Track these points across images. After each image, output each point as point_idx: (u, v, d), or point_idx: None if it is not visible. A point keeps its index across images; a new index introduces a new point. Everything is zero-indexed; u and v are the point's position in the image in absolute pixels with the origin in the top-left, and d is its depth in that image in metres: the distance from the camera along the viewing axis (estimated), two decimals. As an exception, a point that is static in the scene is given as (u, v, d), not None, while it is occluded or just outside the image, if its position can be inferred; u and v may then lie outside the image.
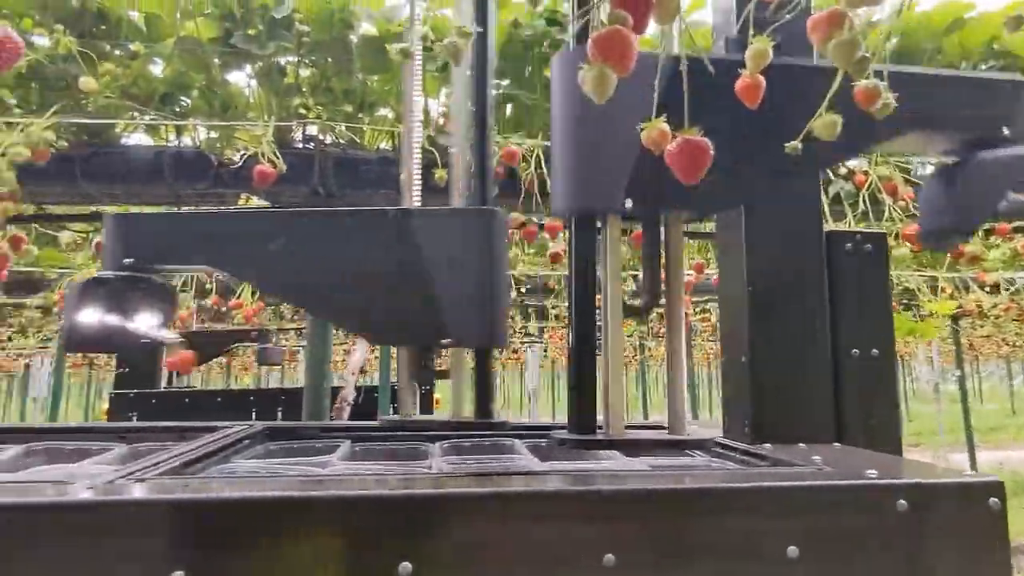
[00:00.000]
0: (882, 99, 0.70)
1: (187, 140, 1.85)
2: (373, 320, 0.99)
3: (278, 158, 1.62)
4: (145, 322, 0.94)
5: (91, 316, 0.90)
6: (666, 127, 0.65)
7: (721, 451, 1.04)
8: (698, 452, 1.03)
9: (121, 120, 1.78)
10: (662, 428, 0.88)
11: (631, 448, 0.85)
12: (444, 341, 0.99)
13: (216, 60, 1.78)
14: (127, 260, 0.92)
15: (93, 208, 2.03)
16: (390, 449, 1.10)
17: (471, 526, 0.59)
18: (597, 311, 0.97)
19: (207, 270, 1.04)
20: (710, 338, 10.04)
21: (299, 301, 1.22)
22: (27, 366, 9.70)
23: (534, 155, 1.67)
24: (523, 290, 4.30)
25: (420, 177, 1.16)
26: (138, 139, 1.83)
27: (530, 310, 5.30)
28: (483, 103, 1.13)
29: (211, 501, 0.57)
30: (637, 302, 1.03)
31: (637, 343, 9.55)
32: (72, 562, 0.54)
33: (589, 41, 0.60)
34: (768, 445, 1.01)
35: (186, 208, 1.87)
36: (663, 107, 0.66)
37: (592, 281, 0.94)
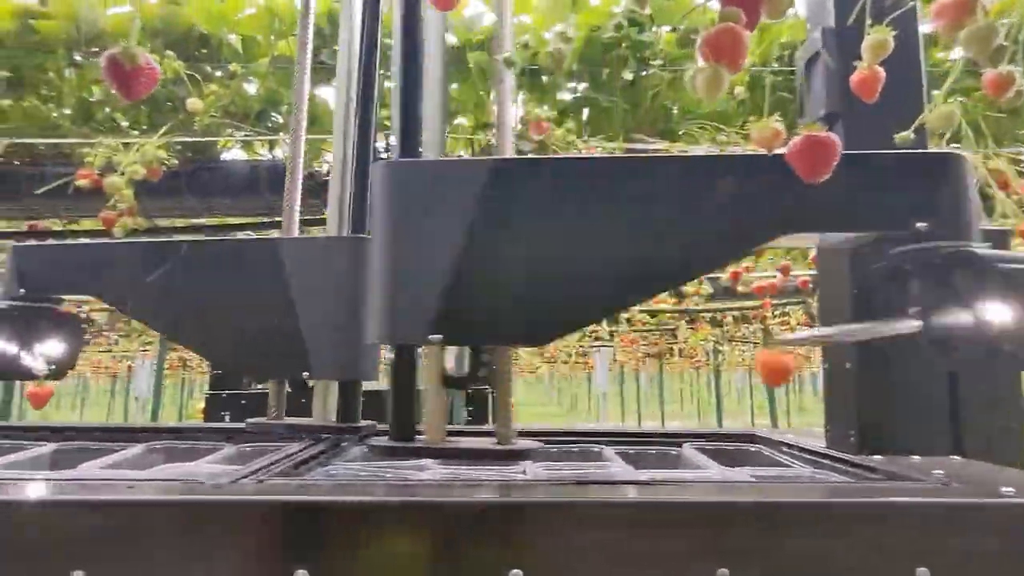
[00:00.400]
0: (1016, 86, 0.64)
1: (279, 154, 1.95)
2: (236, 352, 0.95)
3: None
4: (49, 350, 0.96)
5: None
6: (779, 126, 0.63)
7: (825, 462, 0.99)
8: (820, 463, 0.98)
9: (220, 137, 1.90)
10: (490, 436, 0.83)
11: (450, 456, 0.82)
12: (304, 375, 0.94)
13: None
14: (21, 290, 0.94)
15: (195, 220, 2.18)
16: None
17: (583, 534, 0.59)
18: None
19: (91, 298, 1.05)
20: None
21: (167, 330, 1.19)
22: (130, 368, 10.51)
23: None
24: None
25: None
26: (235, 154, 1.95)
27: (601, 314, 5.25)
28: (367, 124, 1.04)
29: (333, 504, 0.59)
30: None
31: (711, 347, 9.26)
32: (201, 556, 0.58)
33: (700, 41, 0.58)
34: (878, 457, 0.95)
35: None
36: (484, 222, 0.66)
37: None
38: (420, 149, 0.81)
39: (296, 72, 1.07)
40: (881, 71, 0.63)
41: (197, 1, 1.83)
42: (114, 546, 0.58)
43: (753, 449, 1.16)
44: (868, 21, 0.64)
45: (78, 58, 1.95)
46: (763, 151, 0.58)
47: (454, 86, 1.90)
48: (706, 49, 0.57)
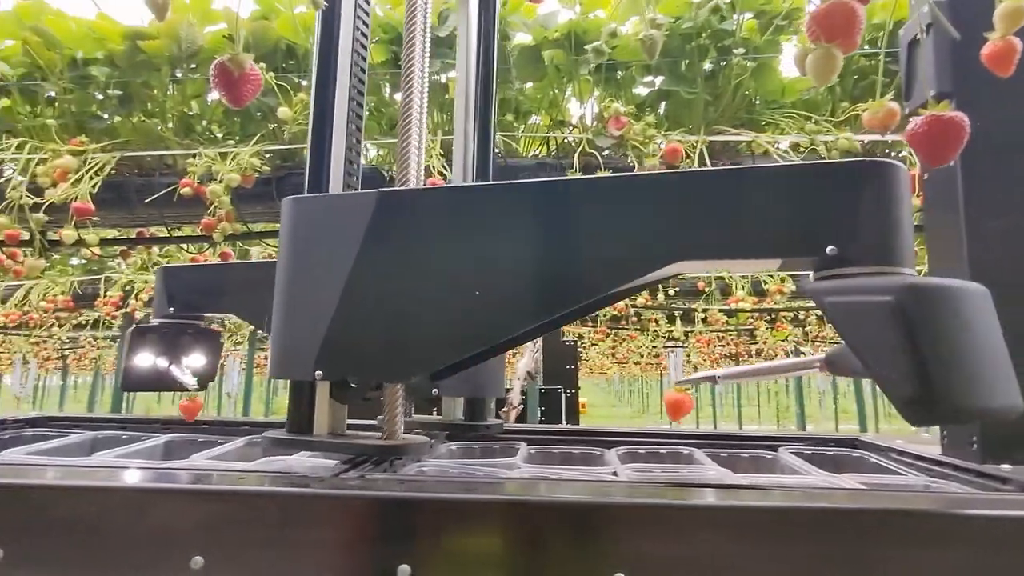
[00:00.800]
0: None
1: (361, 159, 2.02)
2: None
3: (446, 169, 1.70)
4: (193, 363, 1.01)
5: (144, 360, 0.98)
6: (895, 105, 0.58)
7: (941, 470, 0.91)
8: (937, 472, 0.91)
9: (306, 144, 1.98)
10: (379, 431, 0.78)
11: (340, 449, 0.76)
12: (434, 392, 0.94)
13: (385, 82, 1.93)
14: (170, 308, 0.99)
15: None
16: (564, 453, 1.11)
17: (686, 539, 0.56)
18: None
19: (229, 315, 1.09)
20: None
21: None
22: (222, 366, 11.21)
23: (697, 151, 1.60)
24: (670, 292, 4.15)
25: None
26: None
27: (676, 313, 5.12)
28: (486, 125, 1.03)
29: (434, 500, 0.60)
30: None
31: (792, 348, 8.83)
32: (308, 547, 0.60)
33: (808, 19, 0.55)
34: (1006, 466, 0.87)
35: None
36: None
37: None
38: (328, 182, 0.79)
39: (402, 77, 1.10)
40: (1018, 42, 0.57)
41: (284, 15, 1.92)
42: (229, 534, 0.61)
43: (855, 455, 1.09)
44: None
45: (179, 75, 2.09)
46: (646, 169, 0.53)
47: (528, 85, 1.90)
48: (816, 28, 0.53)
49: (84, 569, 0.62)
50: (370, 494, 0.61)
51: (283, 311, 0.72)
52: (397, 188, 0.77)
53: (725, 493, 0.61)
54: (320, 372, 0.69)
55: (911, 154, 1.52)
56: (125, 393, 7.47)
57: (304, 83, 1.88)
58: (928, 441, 1.12)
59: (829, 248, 0.54)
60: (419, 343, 0.66)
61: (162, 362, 0.99)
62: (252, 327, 6.23)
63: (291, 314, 0.72)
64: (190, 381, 0.99)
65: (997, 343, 0.52)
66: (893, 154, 1.76)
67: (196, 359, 1.01)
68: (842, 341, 0.55)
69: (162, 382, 1.00)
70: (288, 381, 0.75)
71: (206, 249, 2.36)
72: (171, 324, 1.00)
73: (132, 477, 0.72)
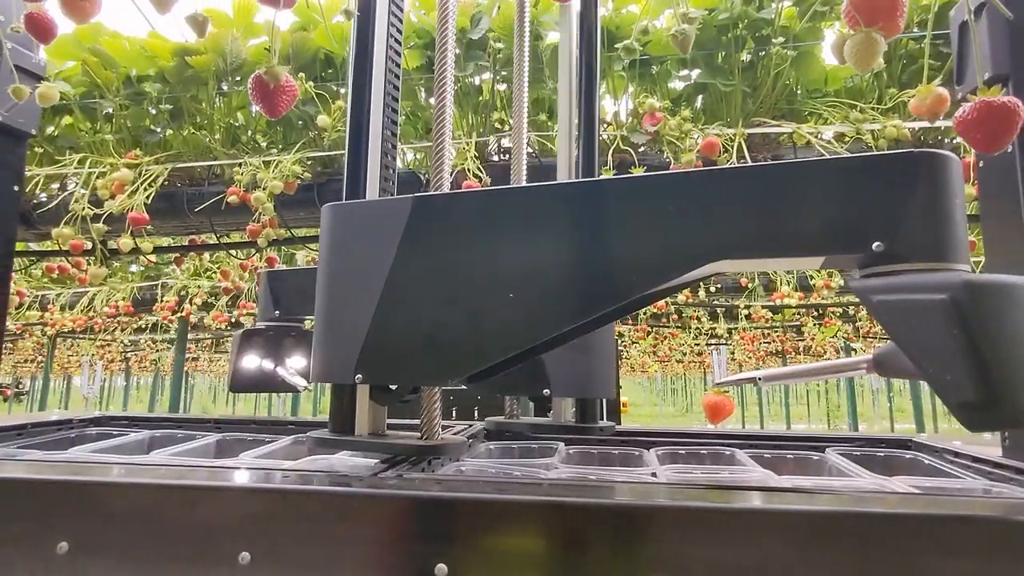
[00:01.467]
0: None
1: (398, 163, 2.05)
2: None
3: (482, 172, 1.72)
4: (296, 363, 1.03)
5: (251, 362, 1.01)
6: (943, 91, 0.56)
7: (1002, 473, 0.87)
8: (996, 475, 0.87)
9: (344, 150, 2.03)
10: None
11: (382, 449, 0.76)
12: (545, 392, 0.93)
13: (420, 87, 1.95)
14: (276, 312, 1.02)
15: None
16: (603, 453, 1.10)
17: (723, 543, 0.55)
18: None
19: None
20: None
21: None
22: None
23: (735, 144, 1.56)
24: (712, 288, 4.07)
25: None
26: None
27: (719, 310, 5.01)
28: (591, 122, 1.02)
29: (472, 501, 0.60)
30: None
31: (841, 345, 8.52)
32: (349, 544, 0.61)
33: (847, 3, 0.53)
34: (1077, 470, 0.82)
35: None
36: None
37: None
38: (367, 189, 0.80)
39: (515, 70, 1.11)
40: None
41: (322, 26, 1.97)
42: (275, 531, 0.63)
43: (908, 456, 1.05)
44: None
45: (225, 88, 2.16)
46: (694, 167, 0.51)
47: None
48: (855, 12, 0.52)
49: (139, 562, 0.65)
50: (406, 493, 0.62)
51: (323, 317, 0.74)
52: (432, 193, 0.79)
53: (766, 496, 0.59)
54: (360, 376, 0.71)
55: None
56: (182, 393, 7.77)
57: (342, 91, 1.92)
58: (989, 443, 1.06)
59: (875, 244, 0.52)
60: (456, 347, 0.67)
61: (268, 364, 1.03)
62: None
63: (331, 319, 0.74)
64: (300, 382, 1.02)
65: None
66: (946, 141, 1.68)
67: (298, 360, 1.05)
68: (891, 341, 0.53)
69: (269, 383, 1.03)
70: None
71: (253, 255, 2.44)
72: (276, 327, 1.04)
73: (184, 475, 0.76)
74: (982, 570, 0.55)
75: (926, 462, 1.00)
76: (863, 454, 1.05)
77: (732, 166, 0.61)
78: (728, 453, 1.05)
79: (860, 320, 5.86)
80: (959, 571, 0.55)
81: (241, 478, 0.71)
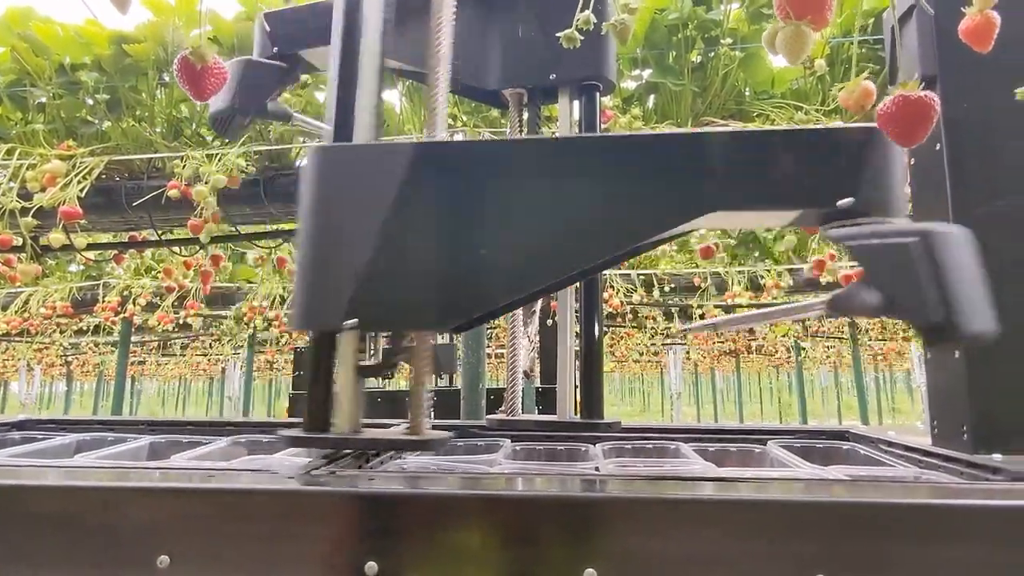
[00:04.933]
0: None
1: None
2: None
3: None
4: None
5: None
6: (870, 84, 0.57)
7: (932, 461, 0.90)
8: (927, 463, 0.89)
9: (295, 145, 1.97)
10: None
11: (364, 445, 0.76)
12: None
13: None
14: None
15: (275, 227, 2.28)
16: (550, 449, 1.09)
17: (658, 533, 0.55)
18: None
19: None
20: (878, 337, 8.99)
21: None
22: (223, 370, 11.25)
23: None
24: (666, 289, 4.13)
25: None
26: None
27: (673, 310, 5.10)
28: None
29: (400, 496, 0.58)
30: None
31: (792, 343, 8.81)
32: (274, 544, 0.59)
33: (777, -3, 0.54)
34: (998, 456, 0.85)
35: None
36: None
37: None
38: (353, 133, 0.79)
39: None
40: (996, 16, 0.56)
41: (270, 15, 1.91)
42: (195, 532, 0.60)
43: (846, 447, 1.08)
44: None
45: (166, 78, 2.08)
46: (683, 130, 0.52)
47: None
48: (785, 5, 0.52)
49: (53, 569, 0.61)
50: (332, 490, 0.60)
51: (311, 259, 0.72)
52: (435, 140, 0.79)
53: (695, 485, 0.59)
54: (353, 321, 0.69)
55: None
56: (128, 398, 7.46)
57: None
58: (921, 433, 1.10)
59: (841, 200, 0.62)
60: (457, 291, 0.68)
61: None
62: (249, 332, 6.22)
63: (320, 262, 0.71)
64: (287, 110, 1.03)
65: (980, 277, 0.60)
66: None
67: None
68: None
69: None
70: (289, 384, 0.74)
71: (197, 252, 2.36)
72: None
73: (99, 477, 0.71)
74: (910, 553, 0.56)
75: (862, 452, 1.03)
76: (803, 446, 1.07)
77: (726, 129, 0.71)
78: (673, 447, 1.06)
79: (808, 320, 6.05)
80: (888, 554, 0.56)
81: (157, 479, 0.68)
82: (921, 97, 0.51)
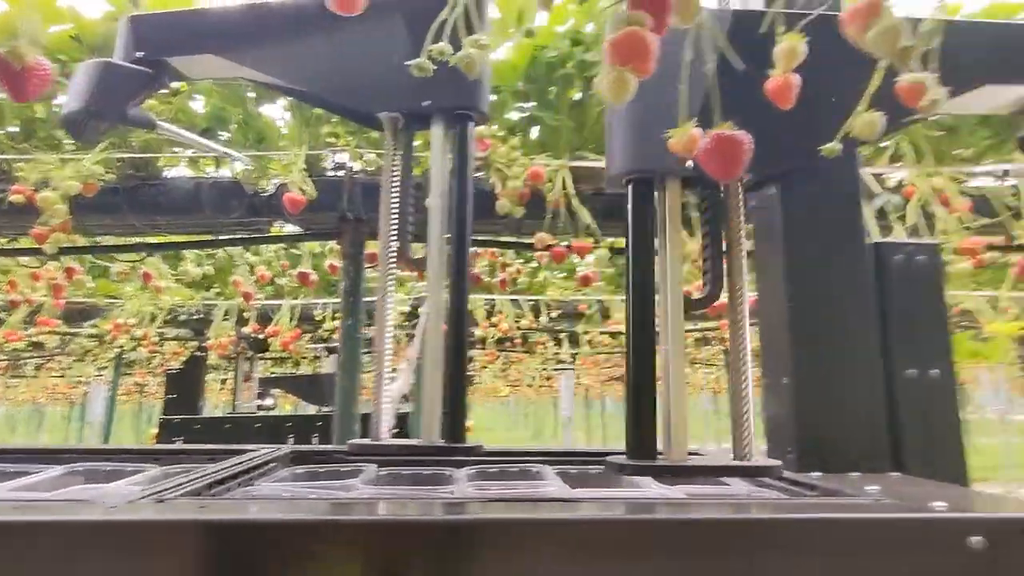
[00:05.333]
0: (930, 95, 0.64)
1: (226, 172, 1.91)
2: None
3: (308, 185, 1.64)
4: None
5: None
6: (696, 131, 0.62)
7: (764, 479, 0.97)
8: (758, 480, 0.97)
9: (163, 155, 1.85)
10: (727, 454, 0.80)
11: (695, 475, 0.76)
12: None
13: (251, 94, 1.84)
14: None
15: (138, 239, 2.11)
16: (414, 474, 1.07)
17: (503, 555, 0.55)
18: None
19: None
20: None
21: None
22: (86, 393, 10.10)
23: (559, 175, 1.65)
24: (553, 315, 4.25)
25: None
26: (180, 171, 1.89)
27: (561, 335, 5.25)
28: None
29: (223, 523, 0.55)
30: (697, 295, 0.86)
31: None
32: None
33: (605, 45, 0.58)
34: (816, 473, 0.94)
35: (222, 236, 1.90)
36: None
37: (650, 264, 0.77)
38: None
39: None
40: (796, 78, 0.63)
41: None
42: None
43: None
44: (780, 28, 0.65)
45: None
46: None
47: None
48: (612, 53, 0.56)
49: None
50: (137, 520, 0.55)
51: (629, 105, 0.60)
52: None
53: (532, 507, 0.61)
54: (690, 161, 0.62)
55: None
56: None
57: (163, 91, 1.76)
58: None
59: None
60: None
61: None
62: (116, 352, 5.67)
63: (642, 108, 0.68)
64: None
65: None
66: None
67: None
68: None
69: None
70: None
71: (46, 262, 2.12)
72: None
73: None
74: (737, 562, 0.60)
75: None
76: (657, 466, 1.12)
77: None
78: (535, 470, 1.08)
79: (687, 347, 6.45)
80: (716, 564, 0.59)
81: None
82: (733, 135, 0.57)
